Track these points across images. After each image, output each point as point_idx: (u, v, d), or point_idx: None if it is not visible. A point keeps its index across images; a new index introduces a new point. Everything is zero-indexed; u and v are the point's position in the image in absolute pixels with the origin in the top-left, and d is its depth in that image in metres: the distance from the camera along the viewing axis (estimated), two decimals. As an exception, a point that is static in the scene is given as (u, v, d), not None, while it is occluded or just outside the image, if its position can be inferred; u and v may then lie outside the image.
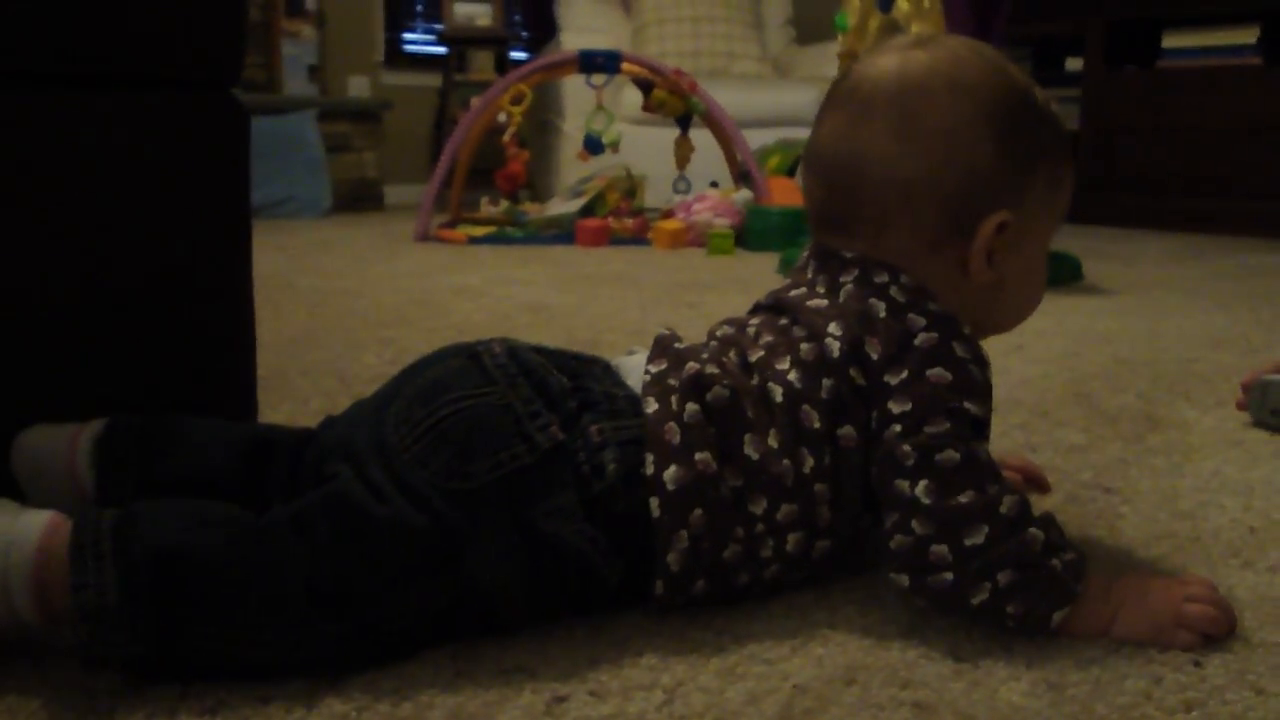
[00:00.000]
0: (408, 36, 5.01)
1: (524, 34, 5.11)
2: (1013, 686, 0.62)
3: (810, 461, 0.69)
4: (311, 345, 1.58)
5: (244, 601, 0.59)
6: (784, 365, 0.71)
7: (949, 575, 0.65)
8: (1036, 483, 0.95)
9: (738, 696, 0.60)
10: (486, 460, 0.64)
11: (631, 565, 0.67)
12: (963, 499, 0.65)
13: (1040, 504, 0.91)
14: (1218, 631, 0.68)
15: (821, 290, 0.75)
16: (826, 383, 0.70)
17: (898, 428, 0.68)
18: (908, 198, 0.72)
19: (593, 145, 3.32)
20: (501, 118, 3.25)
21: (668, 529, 0.66)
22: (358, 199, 4.32)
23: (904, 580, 0.67)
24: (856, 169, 0.73)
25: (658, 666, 0.64)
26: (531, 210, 3.42)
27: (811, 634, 0.68)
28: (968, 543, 0.65)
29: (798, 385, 0.70)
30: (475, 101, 3.36)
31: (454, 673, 0.63)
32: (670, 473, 0.66)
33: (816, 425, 0.69)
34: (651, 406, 0.69)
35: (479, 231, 3.20)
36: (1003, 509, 0.66)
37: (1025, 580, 0.65)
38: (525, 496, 0.64)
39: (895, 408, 0.68)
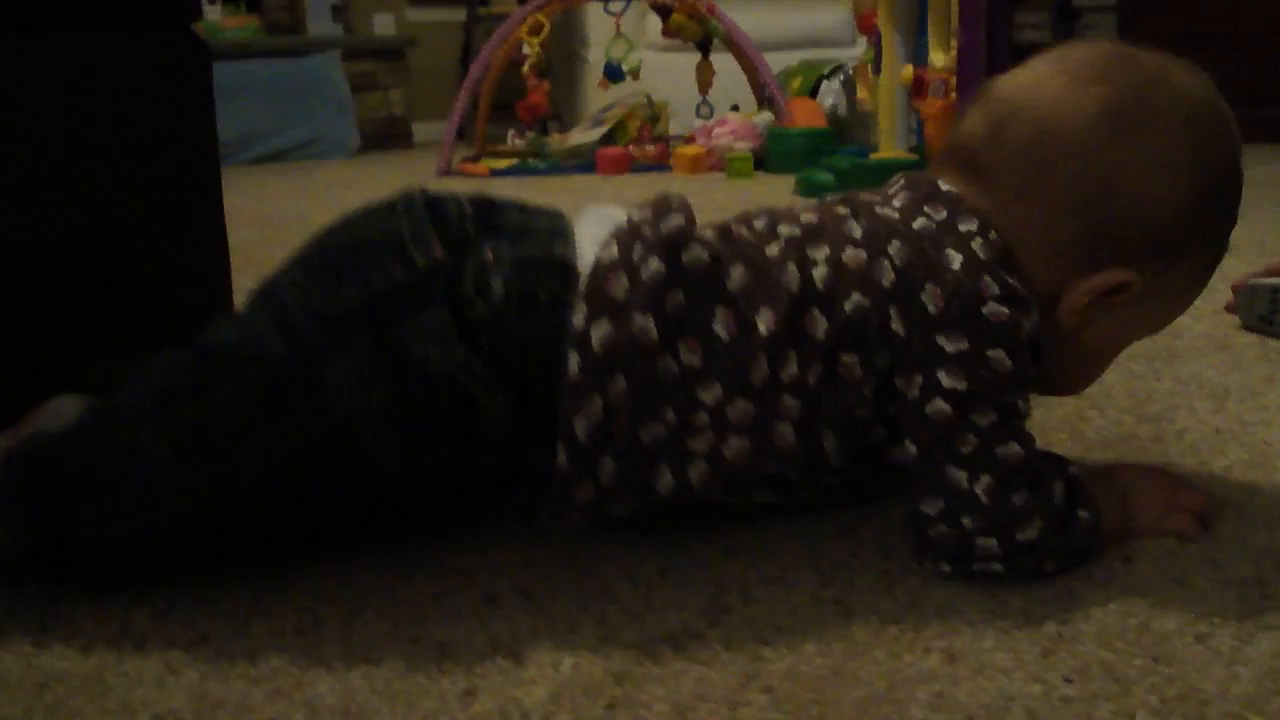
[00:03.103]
0: (431, -29, 4.97)
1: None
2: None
3: (793, 370, 0.62)
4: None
5: (108, 473, 0.60)
6: (817, 254, 0.64)
7: (997, 566, 0.61)
8: None
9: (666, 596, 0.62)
10: (359, 282, 0.60)
11: (534, 420, 0.61)
12: (1019, 499, 0.60)
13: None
14: (1209, 514, 0.69)
15: (897, 205, 0.66)
16: (856, 298, 0.62)
17: (947, 407, 0.60)
18: (1064, 193, 0.63)
19: (613, 73, 3.30)
20: (525, 50, 3.23)
21: (581, 391, 0.60)
22: (386, 137, 4.33)
23: (944, 569, 0.62)
24: (1040, 129, 0.64)
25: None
26: (554, 141, 3.41)
27: (745, 537, 0.69)
28: (1020, 538, 0.60)
29: (819, 284, 0.62)
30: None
31: (395, 575, 0.65)
32: (599, 330, 0.60)
33: (819, 336, 0.62)
34: (611, 251, 0.62)
35: (501, 164, 3.20)
36: (1056, 501, 0.62)
37: (1070, 558, 0.63)
38: (396, 318, 0.59)
39: (948, 381, 0.60)
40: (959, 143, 0.68)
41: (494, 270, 0.61)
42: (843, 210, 0.67)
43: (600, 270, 0.62)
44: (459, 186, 2.55)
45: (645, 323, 0.60)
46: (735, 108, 3.29)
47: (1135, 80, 0.64)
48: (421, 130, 4.59)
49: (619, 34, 3.28)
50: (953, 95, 2.26)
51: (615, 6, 3.27)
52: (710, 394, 0.61)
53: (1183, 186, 0.63)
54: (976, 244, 0.62)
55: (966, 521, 0.61)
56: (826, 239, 0.64)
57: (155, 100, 0.89)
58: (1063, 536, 0.62)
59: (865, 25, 2.77)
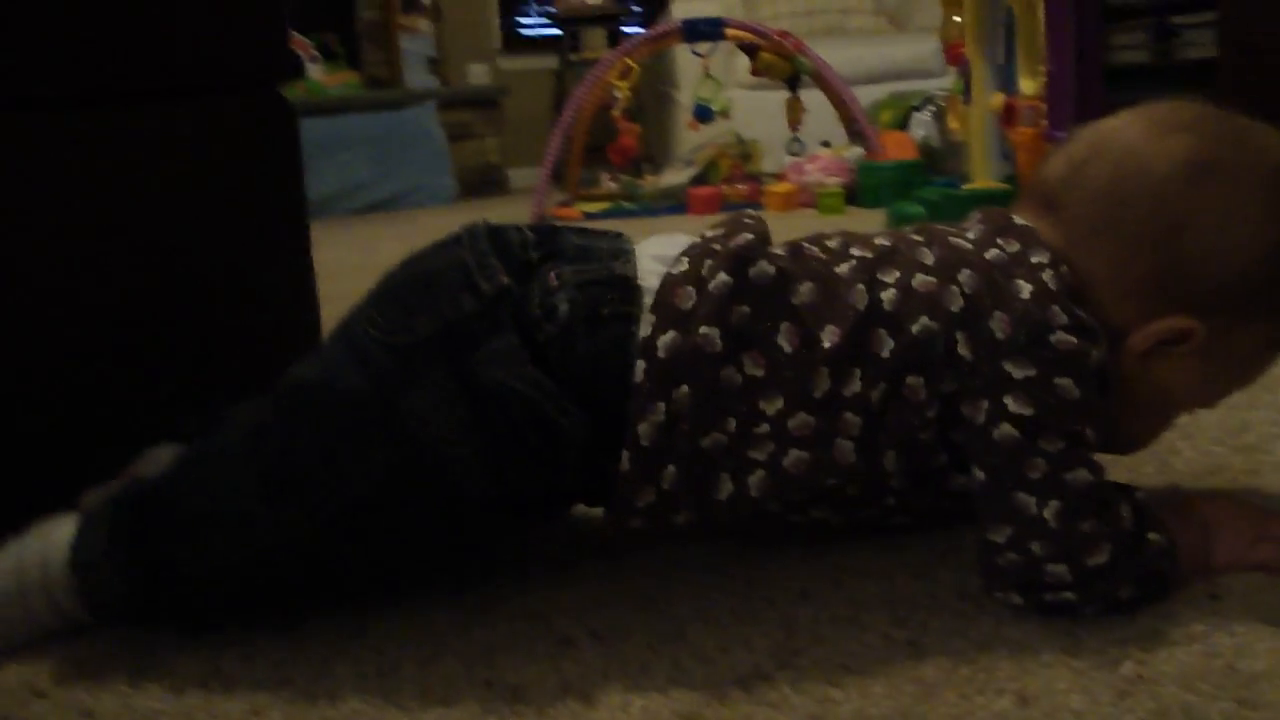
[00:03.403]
0: (523, 20, 5.09)
1: (635, 9, 5.13)
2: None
3: (856, 386, 0.62)
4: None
5: (199, 509, 0.63)
6: (888, 278, 0.64)
7: (1069, 595, 0.60)
8: None
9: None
10: (430, 313, 0.63)
11: (604, 432, 0.62)
12: (1087, 525, 0.60)
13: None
14: None
15: (972, 236, 0.67)
16: (924, 321, 0.62)
17: (1015, 432, 0.60)
18: (1137, 232, 0.63)
19: (702, 113, 3.33)
20: (615, 94, 3.27)
21: (646, 397, 0.62)
22: (483, 184, 4.42)
23: (1014, 599, 0.62)
24: (1118, 169, 0.65)
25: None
26: (646, 183, 3.44)
27: (820, 576, 0.69)
28: (1091, 563, 0.60)
29: (888, 305, 0.63)
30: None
31: (471, 618, 0.66)
32: (666, 338, 0.62)
33: (885, 355, 0.62)
34: (681, 266, 0.64)
35: (594, 207, 3.25)
36: (1125, 524, 0.61)
37: (1145, 586, 0.62)
38: (467, 345, 0.62)
39: (1015, 407, 0.60)
40: (1040, 181, 0.69)
41: (558, 291, 0.63)
42: (918, 238, 0.68)
43: (669, 283, 0.63)
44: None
45: (710, 333, 0.62)
46: (826, 143, 3.28)
47: (1218, 133, 0.65)
48: (517, 176, 4.68)
49: (707, 75, 3.31)
50: (1043, 123, 2.23)
51: (702, 48, 3.30)
52: (772, 405, 0.62)
53: (1256, 243, 0.63)
54: (1047, 275, 0.62)
55: (1035, 547, 0.60)
56: (898, 264, 0.65)
57: (246, 161, 0.93)
58: (1134, 560, 0.61)
59: (953, 55, 2.75)
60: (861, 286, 0.64)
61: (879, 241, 0.68)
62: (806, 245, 0.68)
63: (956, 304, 0.62)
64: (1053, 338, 0.60)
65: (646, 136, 4.64)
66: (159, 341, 0.89)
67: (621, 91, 3.25)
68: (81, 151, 0.85)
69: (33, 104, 0.83)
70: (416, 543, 0.66)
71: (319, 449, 0.63)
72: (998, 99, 2.44)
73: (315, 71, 4.16)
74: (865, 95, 3.51)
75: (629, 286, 0.64)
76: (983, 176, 2.57)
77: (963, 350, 0.62)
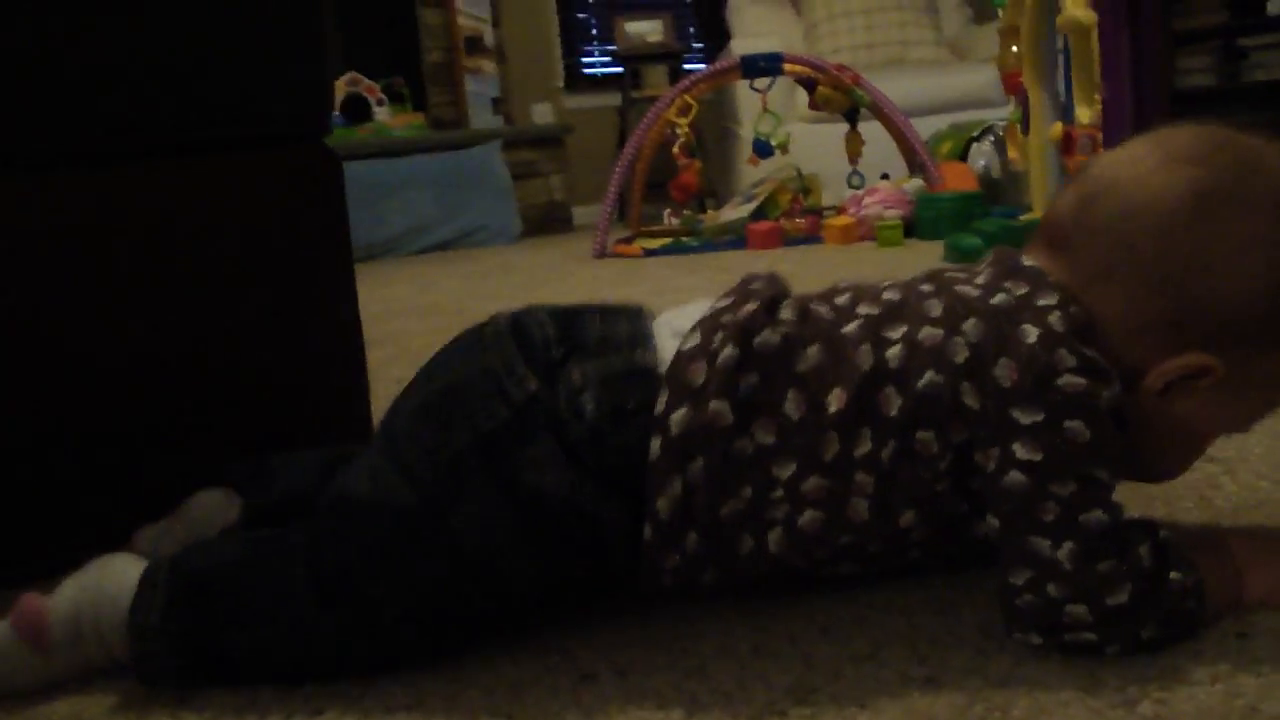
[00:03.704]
0: (586, 60, 5.16)
1: (697, 45, 5.18)
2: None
3: (866, 447, 0.63)
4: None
5: (257, 604, 0.66)
6: (894, 334, 0.65)
7: (1090, 635, 0.60)
8: None
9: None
10: (464, 425, 0.64)
11: (631, 508, 0.64)
12: (1105, 566, 0.59)
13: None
14: None
15: (980, 282, 0.67)
16: (930, 376, 0.63)
17: (1024, 478, 0.60)
18: (1147, 271, 0.63)
19: (761, 148, 3.34)
20: (676, 131, 3.31)
21: (662, 472, 0.63)
22: (547, 221, 4.48)
23: (1034, 639, 0.61)
24: (1126, 207, 0.64)
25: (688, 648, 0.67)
26: (707, 218, 3.46)
27: (843, 613, 0.69)
28: (1111, 603, 0.59)
29: (894, 362, 0.63)
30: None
31: (500, 653, 0.67)
32: (678, 415, 0.63)
33: (892, 413, 0.63)
34: (694, 340, 0.66)
35: (655, 244, 3.27)
36: (1144, 563, 0.60)
37: (1170, 626, 0.61)
38: (504, 454, 0.64)
39: (1023, 453, 0.60)
40: (1051, 219, 0.68)
41: (584, 391, 0.64)
42: (926, 288, 0.68)
43: (681, 359, 0.65)
44: (610, 268, 2.63)
45: (720, 406, 0.63)
46: (885, 176, 3.28)
47: (1229, 163, 0.63)
48: (581, 214, 4.74)
49: (765, 110, 3.33)
50: (1100, 151, 2.21)
51: (761, 84, 3.32)
52: (785, 470, 0.63)
53: (1271, 273, 0.62)
54: (1054, 318, 0.62)
55: (1052, 589, 0.60)
56: (905, 318, 0.65)
57: (292, 211, 0.96)
58: (1156, 600, 0.60)
59: (1011, 85, 2.73)
60: (867, 346, 0.64)
61: (886, 296, 0.68)
62: (814, 305, 0.68)
63: (962, 355, 0.62)
64: (1060, 381, 0.60)
65: (709, 172, 4.67)
66: (206, 390, 0.92)
67: (681, 128, 3.28)
68: (129, 204, 0.89)
69: (80, 158, 0.87)
70: (471, 629, 0.69)
71: (373, 562, 0.65)
72: (1057, 128, 2.42)
73: (382, 114, 4.27)
74: (927, 126, 3.50)
75: (649, 376, 0.65)
76: (1042, 207, 2.55)
77: (969, 400, 0.62)
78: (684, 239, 3.30)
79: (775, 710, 0.58)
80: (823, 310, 0.68)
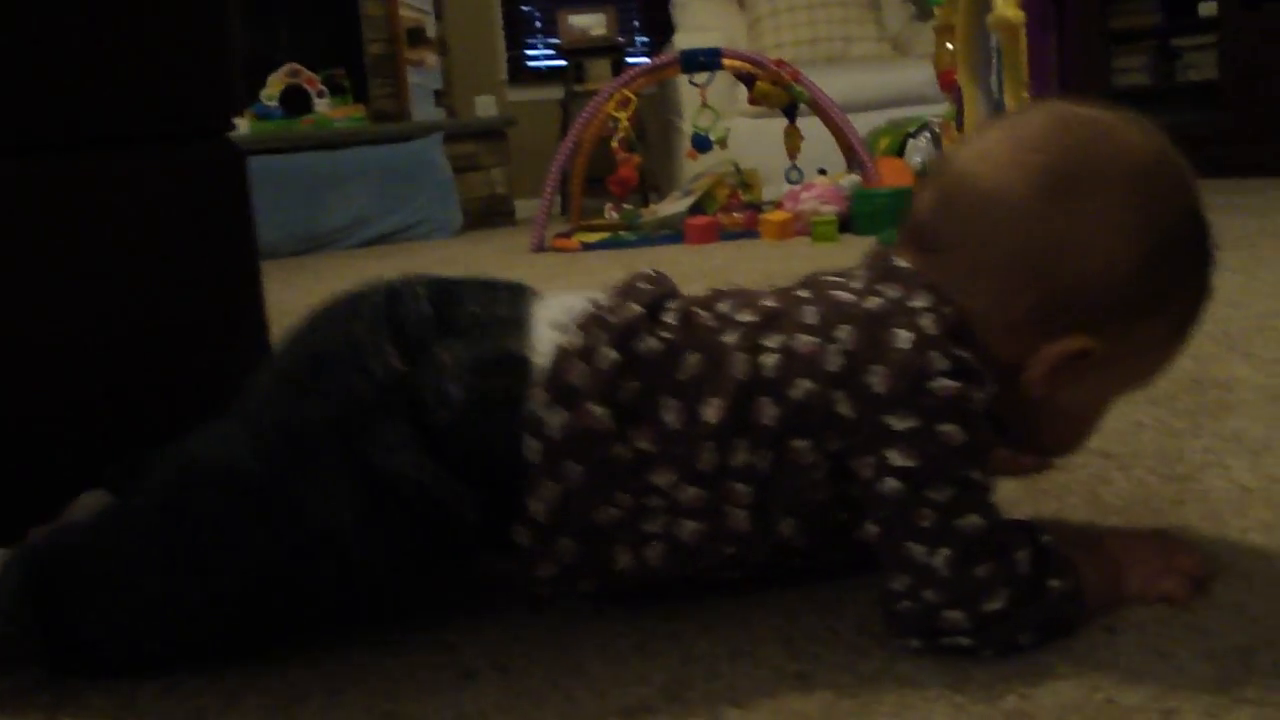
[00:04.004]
0: (530, 52, 5.14)
1: (641, 40, 5.18)
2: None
3: (743, 457, 0.62)
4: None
5: (110, 580, 0.65)
6: (771, 342, 0.64)
7: (966, 640, 0.60)
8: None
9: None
10: (322, 396, 0.63)
11: (498, 504, 0.63)
12: (982, 570, 0.59)
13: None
14: (1203, 578, 0.67)
15: (856, 286, 0.66)
16: (805, 385, 0.62)
17: (900, 485, 0.60)
18: (1011, 264, 0.63)
19: (700, 143, 3.35)
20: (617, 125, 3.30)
21: (538, 475, 0.62)
22: (489, 215, 4.46)
23: (913, 643, 0.62)
24: (983, 200, 0.64)
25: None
26: (647, 213, 3.47)
27: (726, 612, 0.69)
28: (987, 608, 0.59)
29: (769, 372, 0.63)
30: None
31: (386, 650, 0.67)
32: (557, 418, 0.62)
33: (767, 423, 0.62)
34: (577, 340, 0.64)
35: (593, 238, 3.27)
36: (1021, 570, 0.60)
37: (1047, 632, 0.62)
38: (360, 431, 0.62)
39: (898, 460, 0.60)
40: (915, 220, 0.68)
41: (450, 375, 0.63)
42: (804, 294, 0.68)
43: (561, 360, 0.64)
44: (546, 262, 2.61)
45: (600, 411, 0.62)
46: (822, 171, 3.30)
47: (1077, 143, 0.64)
48: (524, 207, 4.72)
49: (704, 105, 3.33)
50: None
51: (700, 79, 3.32)
52: (663, 478, 0.63)
53: (1133, 248, 0.62)
54: (926, 320, 0.62)
55: (929, 595, 0.60)
56: (782, 326, 0.65)
57: (194, 206, 0.95)
58: (1033, 606, 0.61)
59: (945, 82, 2.76)
60: (744, 355, 0.63)
61: (766, 304, 0.67)
62: (698, 310, 0.67)
63: (835, 363, 0.62)
64: (932, 385, 0.60)
65: (651, 166, 4.68)
66: (106, 382, 0.91)
67: (620, 122, 3.28)
68: (27, 197, 0.87)
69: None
70: (321, 608, 0.67)
71: (218, 530, 0.63)
72: (989, 126, 2.45)
73: (322, 106, 4.22)
74: (869, 122, 3.53)
75: (522, 364, 0.64)
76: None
77: (843, 409, 0.61)
78: (622, 233, 3.30)
79: (646, 707, 0.59)
80: (705, 316, 0.67)
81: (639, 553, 0.65)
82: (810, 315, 0.65)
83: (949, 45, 2.73)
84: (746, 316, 0.66)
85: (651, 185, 4.63)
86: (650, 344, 0.64)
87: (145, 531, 0.65)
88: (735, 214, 3.23)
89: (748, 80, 3.27)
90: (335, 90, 4.30)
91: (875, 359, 0.61)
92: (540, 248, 3.25)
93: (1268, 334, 1.35)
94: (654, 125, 4.70)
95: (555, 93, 5.00)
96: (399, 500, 0.62)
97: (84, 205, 0.90)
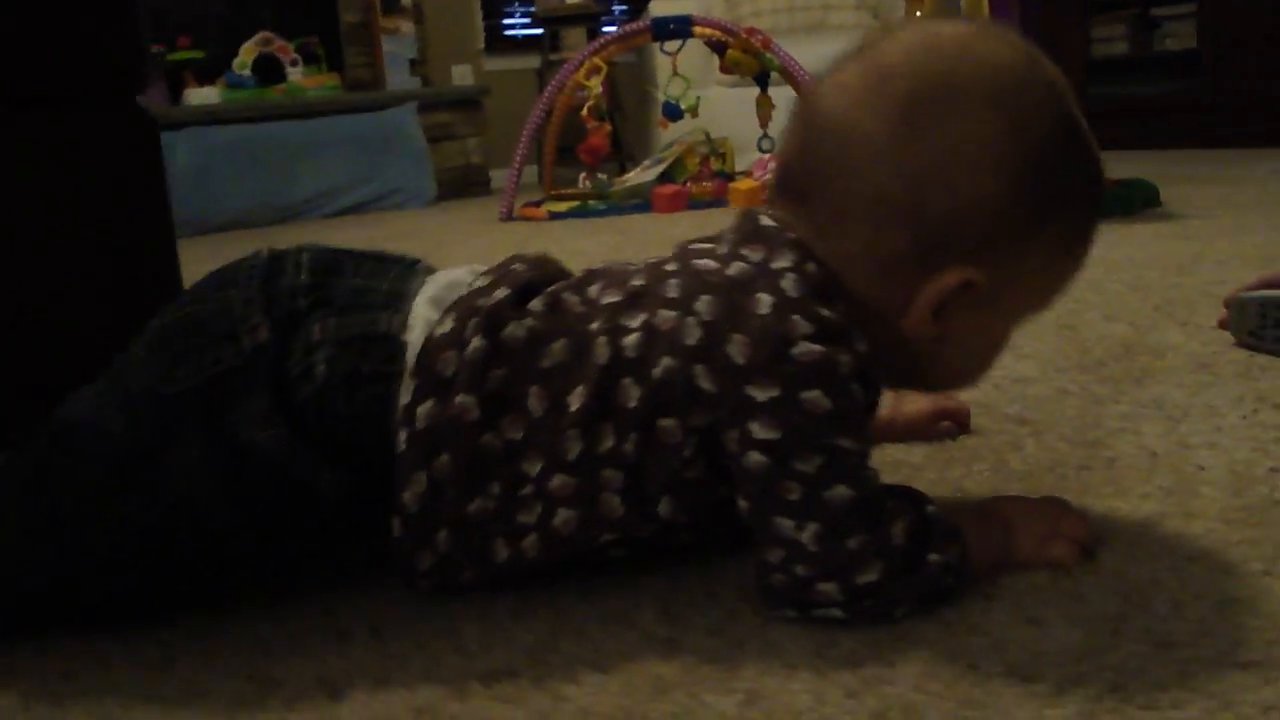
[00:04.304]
0: (507, 21, 5.10)
1: (620, 7, 5.13)
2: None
3: (609, 442, 0.61)
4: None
5: None
6: (634, 321, 0.62)
7: (839, 612, 0.59)
8: (956, 421, 0.91)
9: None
10: (191, 364, 0.62)
11: (368, 488, 0.62)
12: (853, 543, 0.58)
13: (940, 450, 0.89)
14: (1091, 543, 0.66)
15: (721, 251, 0.64)
16: (666, 362, 0.60)
17: (764, 459, 0.58)
18: (878, 204, 0.60)
19: (671, 111, 3.33)
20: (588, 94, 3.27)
21: (408, 467, 0.61)
22: (464, 185, 4.43)
23: (789, 614, 0.60)
24: (842, 139, 0.61)
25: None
26: (618, 182, 3.45)
27: (611, 577, 0.68)
28: (860, 581, 0.58)
29: (630, 352, 0.61)
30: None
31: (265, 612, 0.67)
32: (424, 408, 0.61)
33: (632, 405, 0.61)
34: (446, 325, 0.63)
35: (562, 207, 3.25)
36: (896, 541, 0.59)
37: (924, 601, 0.60)
38: (225, 402, 0.61)
39: (761, 433, 0.58)
40: (781, 168, 0.66)
41: (318, 349, 0.62)
42: (671, 266, 0.65)
43: (431, 347, 0.62)
44: (514, 231, 2.58)
45: (467, 400, 0.61)
46: (792, 140, 3.27)
47: (934, 66, 0.60)
48: (500, 177, 4.67)
49: (676, 73, 3.31)
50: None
51: (671, 47, 3.30)
52: (533, 467, 0.61)
53: (1001, 170, 0.59)
54: (788, 281, 0.60)
55: (800, 569, 0.59)
56: (645, 304, 0.63)
57: (103, 173, 0.93)
58: (909, 579, 0.60)
59: (915, 51, 2.74)
60: (604, 339, 0.62)
61: (634, 282, 0.65)
62: (566, 295, 0.66)
63: (694, 336, 0.60)
64: (794, 350, 0.58)
65: (628, 135, 4.66)
66: (14, 348, 0.90)
67: (590, 91, 3.25)
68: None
69: None
70: (189, 576, 0.66)
71: (81, 493, 0.62)
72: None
73: (295, 74, 4.19)
74: (838, 92, 3.50)
75: (392, 344, 0.63)
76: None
77: (704, 384, 0.60)
78: (591, 202, 3.28)
79: (510, 670, 0.58)
80: (573, 301, 0.65)
81: (516, 545, 0.63)
82: (673, 289, 0.63)
83: (919, 14, 2.72)
84: (612, 297, 0.64)
85: (629, 154, 4.60)
86: (514, 331, 0.63)
87: (13, 493, 0.64)
88: (705, 183, 3.21)
89: (719, 48, 3.24)
90: (309, 59, 4.27)
91: (735, 328, 0.59)
92: (509, 217, 3.23)
93: (1208, 301, 1.34)
94: (631, 94, 4.66)
95: (532, 61, 4.96)
96: (258, 473, 0.61)
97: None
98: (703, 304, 0.61)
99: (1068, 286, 0.67)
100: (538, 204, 3.35)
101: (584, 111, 3.28)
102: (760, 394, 0.58)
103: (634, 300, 0.64)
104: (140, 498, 0.62)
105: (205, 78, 4.06)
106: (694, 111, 3.31)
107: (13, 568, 0.64)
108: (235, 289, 0.65)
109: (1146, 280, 1.51)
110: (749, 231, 0.65)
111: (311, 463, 0.61)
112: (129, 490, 0.62)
